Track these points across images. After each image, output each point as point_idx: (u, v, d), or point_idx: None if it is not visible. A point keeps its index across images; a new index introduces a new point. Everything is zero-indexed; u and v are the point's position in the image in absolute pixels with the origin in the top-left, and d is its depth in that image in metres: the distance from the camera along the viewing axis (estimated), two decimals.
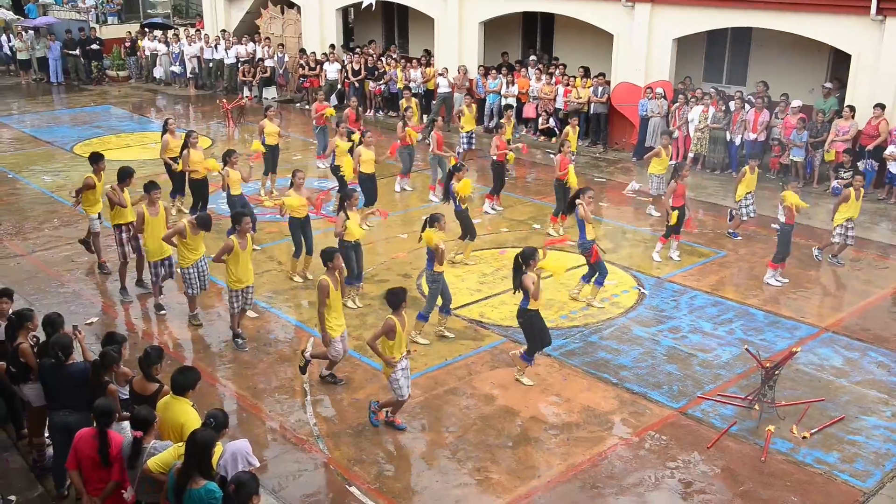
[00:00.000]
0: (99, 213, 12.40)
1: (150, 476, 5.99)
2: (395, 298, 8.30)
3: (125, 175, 11.67)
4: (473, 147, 18.29)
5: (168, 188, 14.30)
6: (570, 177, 13.68)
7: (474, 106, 18.84)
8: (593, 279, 11.42)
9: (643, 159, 15.57)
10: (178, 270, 10.89)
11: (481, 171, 17.73)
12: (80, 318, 10.97)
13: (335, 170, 14.92)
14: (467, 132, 17.91)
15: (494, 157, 15.19)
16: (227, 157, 12.97)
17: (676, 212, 12.70)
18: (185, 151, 13.83)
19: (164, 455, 5.98)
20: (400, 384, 8.39)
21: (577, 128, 16.83)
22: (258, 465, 6.19)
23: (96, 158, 12.10)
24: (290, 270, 12.36)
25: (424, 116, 21.42)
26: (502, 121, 16.77)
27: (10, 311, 8.11)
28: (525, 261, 9.18)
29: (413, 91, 21.88)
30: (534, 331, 9.34)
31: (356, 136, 15.14)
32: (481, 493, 7.71)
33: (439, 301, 10.45)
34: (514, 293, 9.55)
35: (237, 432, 8.44)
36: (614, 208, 15.78)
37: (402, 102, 18.72)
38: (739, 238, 14.06)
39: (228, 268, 10.00)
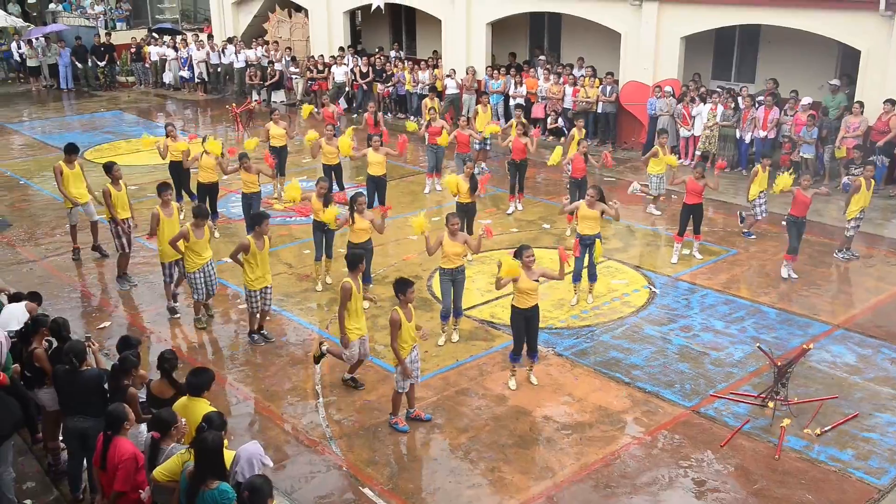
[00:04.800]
0: (70, 208, 12.96)
1: (157, 484, 6.03)
2: (397, 288, 8.34)
3: (109, 169, 12.22)
4: (488, 148, 18.32)
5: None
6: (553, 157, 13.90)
7: (489, 107, 18.83)
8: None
9: (643, 159, 15.56)
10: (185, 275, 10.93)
11: (496, 172, 17.73)
12: (92, 323, 11.06)
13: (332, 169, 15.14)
14: (480, 132, 17.89)
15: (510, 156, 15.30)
16: (240, 159, 13.19)
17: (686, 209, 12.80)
18: (198, 155, 13.96)
19: (169, 463, 6.01)
20: (404, 376, 8.43)
21: (584, 130, 16.81)
22: (272, 465, 6.22)
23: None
24: (314, 276, 12.31)
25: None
26: (513, 121, 16.81)
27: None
28: (517, 256, 9.14)
29: (420, 93, 22.02)
30: (516, 329, 9.35)
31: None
32: (494, 493, 7.71)
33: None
34: (498, 289, 9.59)
35: (249, 434, 8.48)
36: (623, 208, 15.68)
37: (426, 102, 18.73)
38: (754, 237, 14.02)
39: (245, 268, 10.05)
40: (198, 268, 10.64)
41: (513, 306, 9.23)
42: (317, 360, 9.50)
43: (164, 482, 5.98)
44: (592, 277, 11.55)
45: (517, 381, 9.49)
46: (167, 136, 14.82)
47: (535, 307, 9.24)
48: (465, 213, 12.59)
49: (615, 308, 11.47)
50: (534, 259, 9.10)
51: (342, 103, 23.49)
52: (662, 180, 14.95)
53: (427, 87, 21.87)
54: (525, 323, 9.24)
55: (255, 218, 10.26)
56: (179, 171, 14.67)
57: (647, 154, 15.10)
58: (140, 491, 6.14)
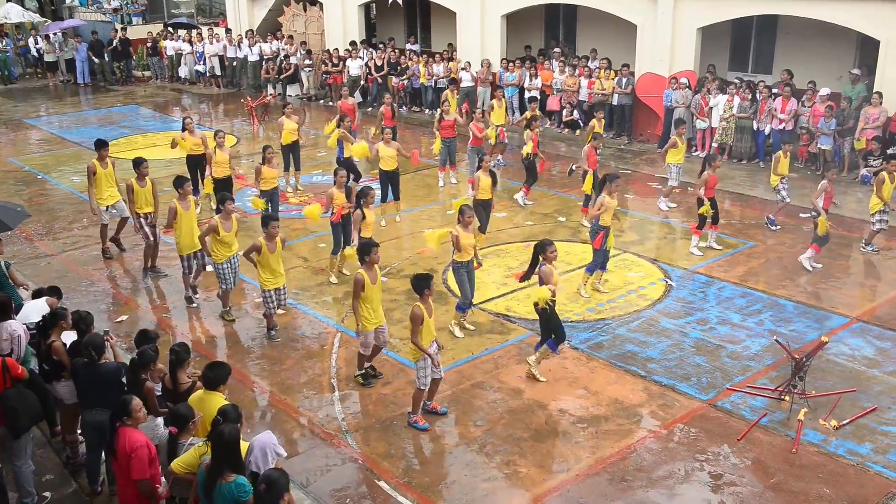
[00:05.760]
0: (107, 207, 12.92)
1: (175, 476, 6.07)
2: (419, 284, 8.31)
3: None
4: (506, 142, 18.32)
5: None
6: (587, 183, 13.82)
7: (504, 101, 18.79)
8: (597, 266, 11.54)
9: (660, 152, 15.43)
10: (212, 266, 11.01)
11: (511, 165, 17.70)
12: (110, 317, 11.12)
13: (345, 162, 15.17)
14: (497, 125, 17.85)
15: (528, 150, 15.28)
16: (264, 152, 13.28)
17: (708, 202, 12.65)
18: (212, 150, 14.00)
19: (186, 456, 6.05)
20: (426, 372, 8.39)
21: (603, 120, 16.74)
22: (285, 455, 6.24)
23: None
24: (329, 269, 12.35)
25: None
26: (528, 113, 16.84)
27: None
28: (541, 251, 9.19)
29: (437, 85, 22.11)
30: (551, 321, 9.31)
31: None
32: (510, 486, 7.71)
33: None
34: (525, 281, 9.64)
35: (266, 428, 8.50)
36: (640, 200, 15.68)
37: (447, 94, 18.73)
38: (777, 227, 13.98)
39: (258, 268, 10.12)
40: (225, 259, 10.74)
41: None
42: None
43: (181, 474, 6.03)
44: (603, 266, 11.60)
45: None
46: (184, 129, 14.91)
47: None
48: (485, 209, 12.65)
49: (631, 301, 11.42)
50: (556, 255, 9.18)
51: (357, 97, 23.50)
52: (681, 171, 14.90)
53: (446, 79, 21.89)
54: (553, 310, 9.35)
55: (263, 220, 10.25)
56: (196, 164, 14.78)
57: (666, 146, 15.04)
58: (157, 485, 6.18)
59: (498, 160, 17.82)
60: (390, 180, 14.36)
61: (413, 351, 8.41)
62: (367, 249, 9.05)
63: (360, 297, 8.90)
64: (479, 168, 12.82)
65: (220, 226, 10.50)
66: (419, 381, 8.46)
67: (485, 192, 12.61)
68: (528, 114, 16.59)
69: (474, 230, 10.35)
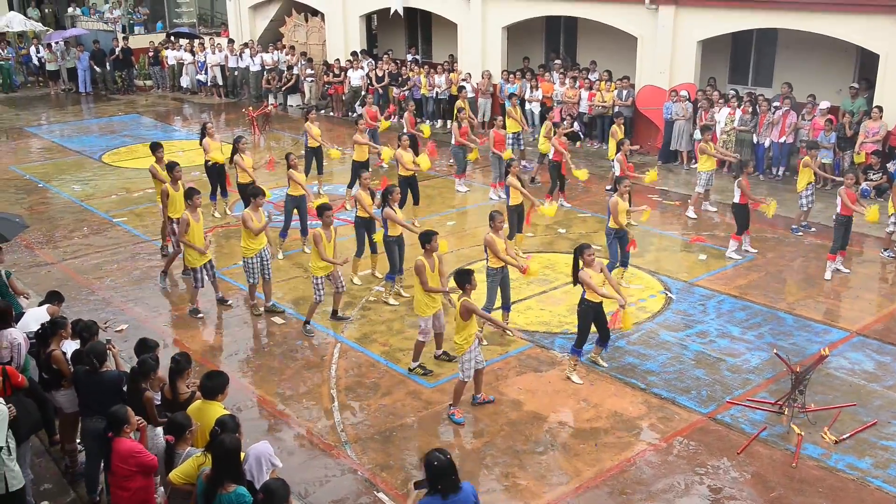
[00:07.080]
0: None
1: (174, 487, 6.06)
2: (461, 279, 8.59)
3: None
4: (522, 147, 18.50)
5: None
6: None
7: (518, 108, 18.86)
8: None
9: (699, 157, 15.57)
10: (242, 261, 11.32)
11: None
12: (106, 322, 11.10)
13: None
14: (513, 133, 17.92)
15: (550, 157, 15.60)
16: (287, 159, 13.36)
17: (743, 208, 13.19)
18: (235, 156, 14.09)
19: (185, 466, 6.04)
20: (470, 364, 8.67)
21: (623, 126, 16.89)
22: (281, 465, 6.23)
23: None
24: (352, 272, 12.44)
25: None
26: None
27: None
28: (579, 255, 9.39)
29: (438, 96, 22.20)
30: (585, 323, 9.46)
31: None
32: (509, 498, 7.68)
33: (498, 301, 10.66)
34: (574, 286, 9.82)
35: (264, 438, 8.48)
36: (638, 212, 15.64)
37: (459, 103, 18.86)
38: (801, 234, 14.32)
39: (313, 257, 10.55)
40: (255, 253, 11.02)
41: (585, 300, 9.40)
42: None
43: (179, 485, 6.01)
44: (624, 263, 12.09)
45: (579, 376, 9.67)
46: (205, 135, 14.97)
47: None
48: (518, 213, 12.77)
49: (631, 313, 11.39)
50: (594, 256, 9.40)
51: (357, 108, 23.53)
52: (711, 177, 15.28)
53: (448, 91, 22.07)
54: (595, 314, 9.46)
55: (319, 211, 10.67)
56: (218, 170, 14.87)
57: (698, 154, 15.26)
58: (154, 495, 6.18)
59: (524, 166, 17.96)
60: (409, 185, 14.56)
61: (459, 346, 8.61)
62: (427, 238, 9.43)
63: (426, 281, 9.26)
64: (507, 174, 13.00)
65: (252, 218, 10.83)
66: (463, 373, 8.70)
67: (516, 197, 12.80)
68: (547, 124, 16.77)
69: (503, 236, 10.54)
